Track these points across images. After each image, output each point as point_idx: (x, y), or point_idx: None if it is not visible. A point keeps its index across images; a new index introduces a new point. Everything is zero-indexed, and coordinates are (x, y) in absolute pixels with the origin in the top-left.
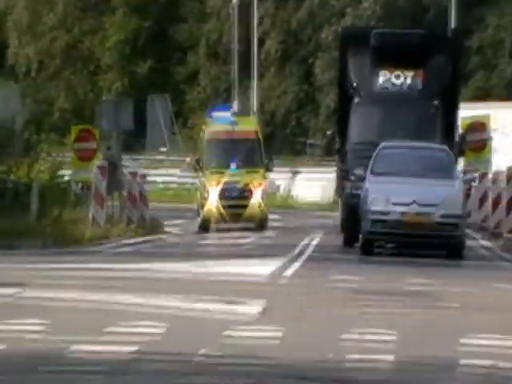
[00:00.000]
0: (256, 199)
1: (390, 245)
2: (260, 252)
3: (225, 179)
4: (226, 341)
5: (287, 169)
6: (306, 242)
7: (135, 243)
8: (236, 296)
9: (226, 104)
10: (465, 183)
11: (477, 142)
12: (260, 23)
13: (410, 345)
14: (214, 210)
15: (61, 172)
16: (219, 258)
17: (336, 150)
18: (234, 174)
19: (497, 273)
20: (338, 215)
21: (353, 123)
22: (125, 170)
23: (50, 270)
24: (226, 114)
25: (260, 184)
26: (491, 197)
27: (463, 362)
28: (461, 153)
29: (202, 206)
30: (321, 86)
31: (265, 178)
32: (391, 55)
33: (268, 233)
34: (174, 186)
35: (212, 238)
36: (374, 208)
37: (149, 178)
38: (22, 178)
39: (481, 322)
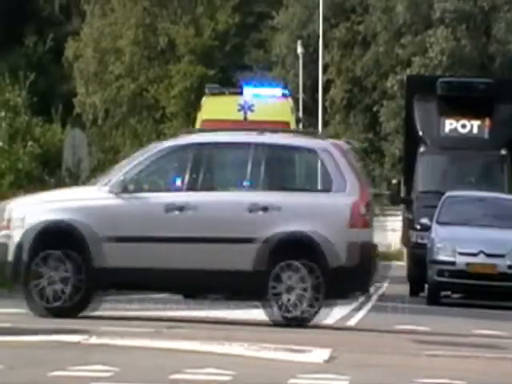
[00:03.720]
0: None
1: (456, 294)
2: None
3: None
4: None
5: None
6: (371, 290)
7: None
8: (301, 344)
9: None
10: None
11: None
12: (325, 71)
13: None
14: None
15: None
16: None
17: (402, 199)
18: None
19: None
20: (404, 264)
21: (418, 172)
22: None
23: (115, 317)
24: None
25: None
26: None
27: None
28: None
29: None
30: (386, 134)
31: None
32: (457, 104)
33: None
34: None
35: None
36: (440, 258)
37: None
38: None
39: None
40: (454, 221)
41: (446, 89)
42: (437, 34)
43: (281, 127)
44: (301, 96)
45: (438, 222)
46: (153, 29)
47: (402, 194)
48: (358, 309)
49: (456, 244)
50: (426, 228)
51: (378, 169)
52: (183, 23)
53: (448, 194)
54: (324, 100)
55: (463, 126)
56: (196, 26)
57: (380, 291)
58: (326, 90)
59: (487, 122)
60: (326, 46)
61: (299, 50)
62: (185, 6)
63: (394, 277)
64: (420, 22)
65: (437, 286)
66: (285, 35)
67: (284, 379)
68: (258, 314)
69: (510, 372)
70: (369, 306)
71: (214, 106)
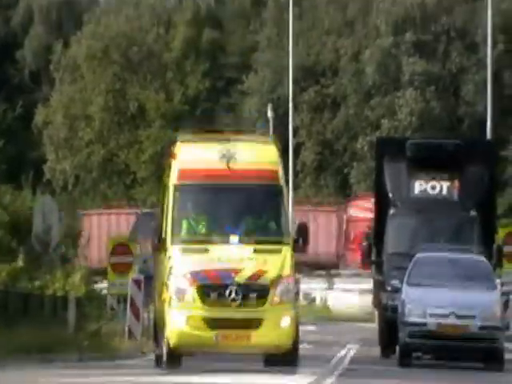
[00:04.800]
0: (278, 306)
1: (427, 356)
2: None
3: (212, 264)
4: None
5: (323, 280)
6: (342, 353)
7: None
8: None
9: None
10: (503, 294)
11: None
12: (295, 134)
13: None
14: (189, 329)
15: (96, 285)
16: (254, 371)
17: (372, 261)
18: (231, 256)
19: None
20: (375, 326)
21: (389, 233)
22: None
23: None
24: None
25: (283, 276)
26: None
27: None
28: (498, 263)
29: (164, 322)
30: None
31: (293, 263)
32: (427, 165)
33: (302, 344)
34: None
35: None
36: (410, 319)
37: None
38: (58, 290)
39: None
40: (424, 282)
41: (415, 150)
42: (406, 96)
43: (270, 175)
44: None
45: (409, 284)
46: (123, 94)
47: (373, 256)
48: (330, 373)
49: (427, 305)
50: (397, 290)
51: None
52: (153, 88)
53: (418, 255)
54: (295, 163)
55: (433, 188)
56: (166, 90)
57: (351, 354)
58: (296, 152)
59: (456, 183)
60: (295, 109)
61: (269, 113)
62: (155, 71)
63: (365, 339)
64: (389, 84)
65: (408, 347)
66: (255, 99)
67: None
68: (220, 378)
69: None
70: (340, 369)
71: (191, 155)
